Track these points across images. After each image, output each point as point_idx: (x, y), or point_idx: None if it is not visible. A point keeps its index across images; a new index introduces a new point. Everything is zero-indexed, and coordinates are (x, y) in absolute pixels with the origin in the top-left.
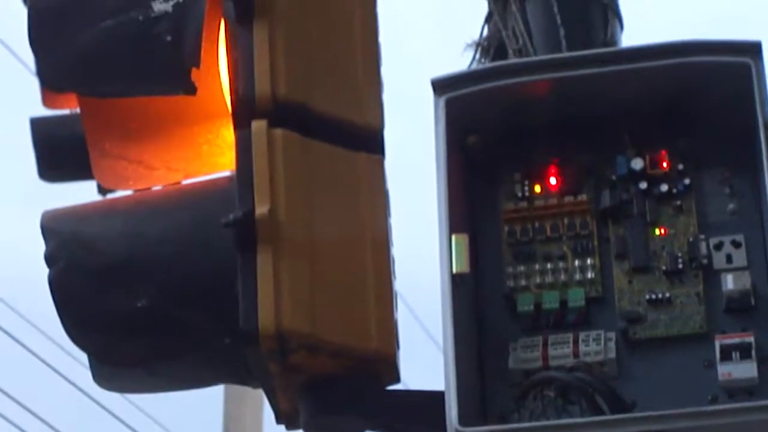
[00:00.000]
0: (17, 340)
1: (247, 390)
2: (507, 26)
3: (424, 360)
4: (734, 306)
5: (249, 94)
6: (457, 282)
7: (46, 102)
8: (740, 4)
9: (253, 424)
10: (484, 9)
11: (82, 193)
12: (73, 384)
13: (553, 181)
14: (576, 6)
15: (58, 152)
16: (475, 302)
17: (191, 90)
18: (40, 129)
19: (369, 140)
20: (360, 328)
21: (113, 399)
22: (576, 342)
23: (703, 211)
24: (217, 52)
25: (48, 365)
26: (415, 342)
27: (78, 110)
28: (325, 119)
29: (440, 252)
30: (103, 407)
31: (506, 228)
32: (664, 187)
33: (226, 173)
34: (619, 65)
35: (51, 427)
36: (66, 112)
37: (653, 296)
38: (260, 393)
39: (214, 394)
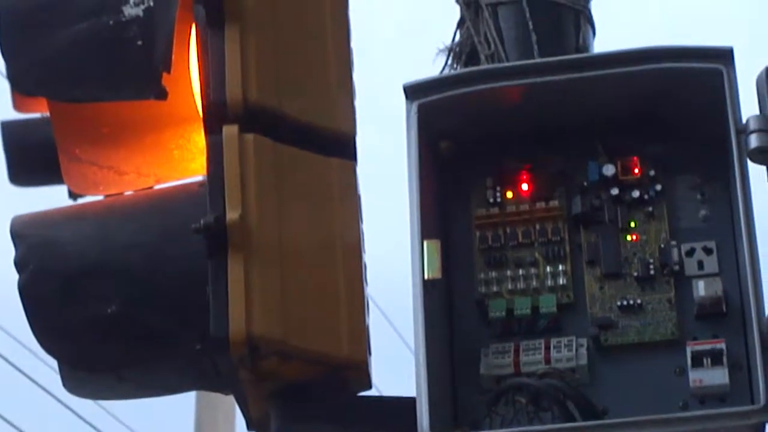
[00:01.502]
0: None
1: (219, 396)
2: (479, 32)
3: (396, 366)
4: (706, 312)
5: (220, 98)
6: (428, 288)
7: (17, 106)
8: (714, 9)
9: (225, 430)
10: (455, 15)
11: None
12: (45, 389)
13: (524, 187)
14: (548, 12)
15: (29, 156)
16: (446, 308)
17: (162, 95)
18: (10, 133)
19: (341, 146)
20: (331, 335)
21: (86, 406)
22: (547, 348)
23: (675, 218)
24: (188, 56)
25: (19, 370)
26: (386, 348)
27: (48, 114)
28: (296, 124)
29: (412, 258)
30: (76, 414)
31: (478, 234)
32: (636, 194)
33: (197, 178)
34: (591, 71)
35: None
36: (37, 116)
37: (625, 302)
38: (232, 399)
39: (186, 401)
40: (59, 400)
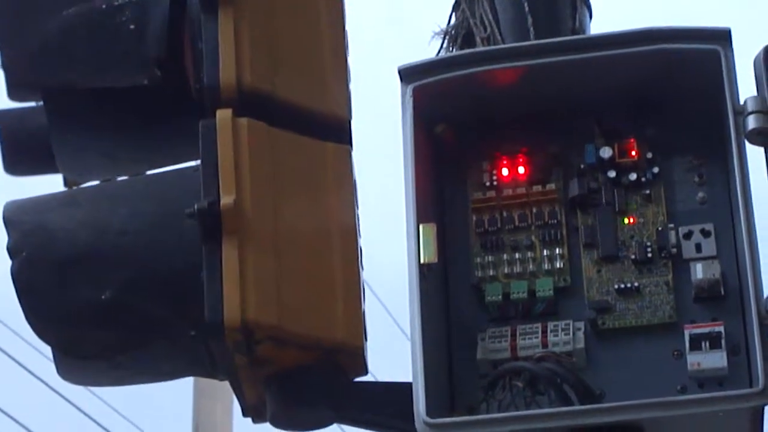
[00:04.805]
0: None
1: (217, 384)
2: (475, 14)
3: (392, 351)
4: (704, 295)
5: (214, 82)
6: (424, 272)
7: (12, 95)
8: None
9: (223, 419)
10: None
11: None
12: (41, 380)
13: (521, 170)
14: None
15: (23, 146)
16: (443, 292)
17: (155, 79)
18: (5, 122)
19: (336, 130)
20: (327, 320)
21: (82, 396)
22: (545, 332)
23: (672, 200)
24: (181, 40)
25: (12, 358)
26: (382, 333)
27: (43, 103)
28: (291, 108)
29: (408, 242)
30: (73, 405)
31: (474, 217)
32: (633, 176)
33: (191, 163)
34: (587, 53)
35: (16, 421)
36: (32, 105)
37: (622, 286)
38: (230, 389)
39: (184, 390)
40: (57, 392)
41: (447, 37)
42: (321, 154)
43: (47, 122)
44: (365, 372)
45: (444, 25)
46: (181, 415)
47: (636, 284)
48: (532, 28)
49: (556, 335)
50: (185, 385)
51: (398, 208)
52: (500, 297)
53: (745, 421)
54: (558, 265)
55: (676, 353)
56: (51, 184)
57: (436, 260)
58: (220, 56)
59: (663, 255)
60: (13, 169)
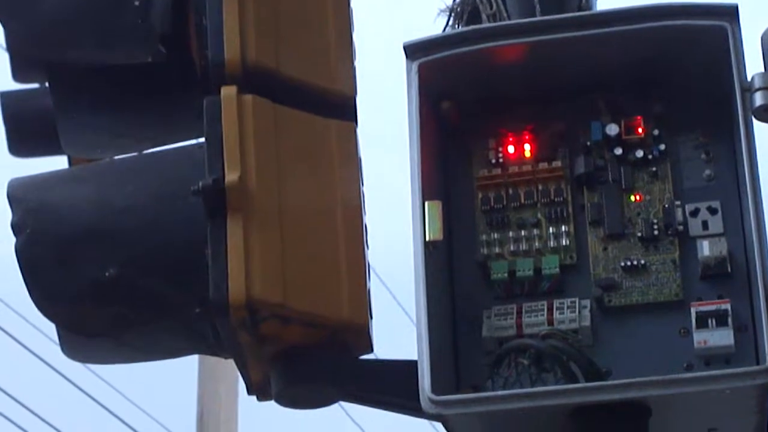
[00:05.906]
0: None
1: (221, 367)
2: None
3: (397, 330)
4: (710, 273)
5: (218, 59)
6: (430, 250)
7: (17, 76)
8: None
9: (228, 402)
10: None
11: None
12: (43, 360)
13: (527, 147)
14: None
15: (28, 127)
16: (448, 270)
17: (160, 56)
18: (9, 104)
19: (341, 107)
20: (332, 298)
21: (86, 378)
22: (551, 309)
23: (679, 177)
24: (185, 16)
25: (16, 340)
26: (387, 311)
27: (47, 85)
28: (296, 85)
29: (413, 219)
30: (76, 386)
31: (480, 195)
32: (640, 153)
33: (196, 141)
34: (593, 29)
35: (18, 402)
36: (36, 86)
37: (628, 263)
38: (235, 371)
39: (189, 369)
40: (65, 377)
41: (452, 13)
42: (326, 132)
43: (52, 100)
44: (370, 350)
45: (450, 2)
46: (185, 396)
47: (642, 262)
48: (538, 5)
49: (562, 313)
50: (190, 365)
51: (405, 186)
52: (506, 275)
53: (752, 398)
54: (564, 243)
55: (682, 331)
56: (57, 165)
57: (441, 238)
58: (224, 33)
59: (669, 232)
60: (17, 150)
